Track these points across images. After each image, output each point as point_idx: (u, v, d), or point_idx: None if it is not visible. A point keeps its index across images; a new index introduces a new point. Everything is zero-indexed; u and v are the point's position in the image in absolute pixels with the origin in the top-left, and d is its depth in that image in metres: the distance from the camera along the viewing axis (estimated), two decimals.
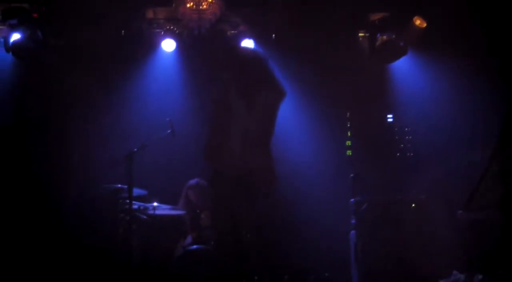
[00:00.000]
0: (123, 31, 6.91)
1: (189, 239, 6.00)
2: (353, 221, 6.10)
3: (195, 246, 5.85)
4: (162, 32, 6.94)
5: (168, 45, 6.93)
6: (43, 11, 6.55)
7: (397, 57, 7.00)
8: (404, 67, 7.16)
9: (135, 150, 5.94)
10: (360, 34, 7.23)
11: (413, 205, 6.15)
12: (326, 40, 7.04)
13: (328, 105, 7.14)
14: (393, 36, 6.92)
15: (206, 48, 6.71)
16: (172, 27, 6.92)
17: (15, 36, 6.50)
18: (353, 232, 6.07)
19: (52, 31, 6.68)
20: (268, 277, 5.82)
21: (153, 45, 7.00)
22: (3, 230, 6.14)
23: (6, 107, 6.59)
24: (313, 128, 7.06)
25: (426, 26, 6.68)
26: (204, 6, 6.17)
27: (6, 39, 6.55)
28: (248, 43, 6.90)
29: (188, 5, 6.21)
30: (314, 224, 6.60)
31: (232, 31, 6.97)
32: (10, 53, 6.53)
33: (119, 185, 6.11)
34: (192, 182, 6.31)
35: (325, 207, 6.62)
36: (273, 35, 7.12)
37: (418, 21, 6.68)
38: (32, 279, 5.98)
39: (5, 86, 6.81)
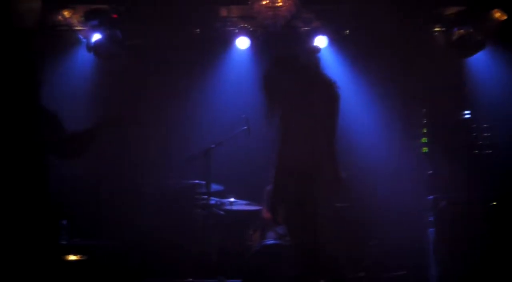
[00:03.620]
0: (197, 30, 7.02)
1: (269, 234, 6.04)
2: (431, 219, 6.00)
3: (272, 241, 5.89)
4: (236, 30, 7.02)
5: (242, 43, 7.02)
6: (122, 12, 6.74)
7: (475, 51, 6.84)
8: (482, 62, 6.98)
9: (212, 146, 6.05)
10: (436, 29, 7.09)
11: (494, 203, 5.99)
12: (401, 36, 6.94)
13: (403, 102, 7.05)
14: (471, 30, 6.75)
15: (278, 47, 6.73)
16: (246, 25, 6.99)
17: (96, 37, 6.73)
18: (431, 229, 5.97)
19: (130, 31, 6.87)
20: (343, 275, 5.79)
21: (228, 43, 7.10)
22: (78, 224, 6.28)
23: (87, 105, 6.79)
24: (388, 125, 6.98)
25: (506, 19, 6.49)
26: (280, 3, 6.20)
27: (88, 39, 6.77)
28: (321, 40, 6.90)
29: (263, 2, 6.25)
30: (390, 222, 6.52)
31: (305, 28, 6.97)
32: (92, 53, 6.76)
33: (197, 181, 6.23)
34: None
35: (401, 205, 6.54)
36: (347, 31, 7.08)
37: (498, 14, 6.50)
38: (109, 271, 6.12)
39: (87, 85, 7.04)
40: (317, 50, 4.35)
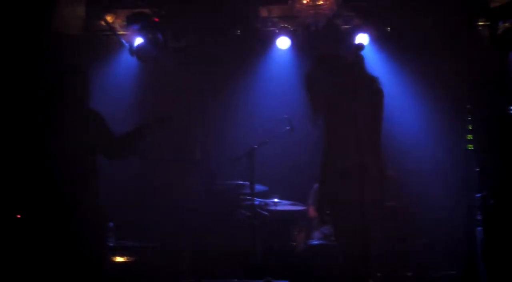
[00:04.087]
0: (238, 31, 7.05)
1: (315, 234, 6.02)
2: (479, 217, 5.88)
3: (317, 241, 5.87)
4: (277, 30, 7.02)
5: (283, 43, 7.01)
6: (163, 15, 6.80)
7: None
8: None
9: (256, 146, 6.06)
10: (480, 23, 6.95)
11: None
12: (444, 31, 6.83)
13: (447, 98, 6.92)
14: None
15: (320, 45, 6.70)
16: (286, 25, 6.99)
17: (138, 40, 6.81)
18: (479, 228, 5.85)
19: (172, 34, 6.93)
20: (392, 275, 5.74)
21: (268, 44, 7.10)
22: (125, 226, 6.34)
23: (131, 108, 6.88)
24: (433, 122, 6.89)
25: None
26: (321, 2, 6.16)
27: (131, 43, 6.86)
28: (362, 38, 6.84)
29: (304, 1, 6.23)
30: (437, 221, 6.42)
31: (346, 26, 6.92)
32: (134, 57, 6.85)
33: (241, 181, 6.25)
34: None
35: (448, 203, 6.44)
36: (388, 28, 7.00)
37: None
38: (156, 273, 6.18)
39: (131, 88, 7.14)
40: (361, 48, 4.30)
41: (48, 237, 4.04)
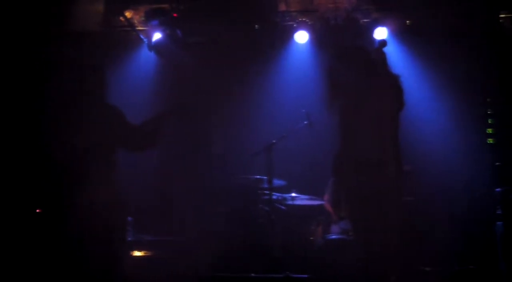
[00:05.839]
0: (256, 26, 7.04)
1: (333, 228, 6.01)
2: (499, 212, 5.82)
3: (335, 236, 5.85)
4: (295, 25, 7.01)
5: (301, 37, 6.99)
6: (182, 10, 6.83)
7: None
8: None
9: (274, 141, 6.06)
10: (502, 15, 6.86)
11: None
12: (465, 24, 6.75)
13: (467, 92, 6.86)
14: None
15: (341, 40, 6.66)
16: (304, 19, 6.97)
17: (157, 36, 6.85)
18: (499, 223, 5.79)
19: (190, 30, 6.95)
20: (410, 270, 5.71)
21: (287, 38, 7.09)
22: (144, 220, 6.39)
23: (151, 102, 6.91)
24: (453, 116, 6.82)
25: None
26: None
27: (149, 39, 6.90)
28: (381, 31, 6.79)
29: None
30: (457, 215, 6.36)
31: (365, 20, 6.88)
32: (153, 52, 6.89)
33: (259, 176, 6.26)
34: None
35: (468, 198, 6.38)
36: (408, 21, 6.94)
37: None
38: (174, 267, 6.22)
39: (150, 83, 7.18)
40: (384, 44, 4.28)
41: (68, 232, 4.08)
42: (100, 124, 4.26)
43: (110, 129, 4.28)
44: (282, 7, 7.00)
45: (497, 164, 6.00)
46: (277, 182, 6.19)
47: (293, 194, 6.26)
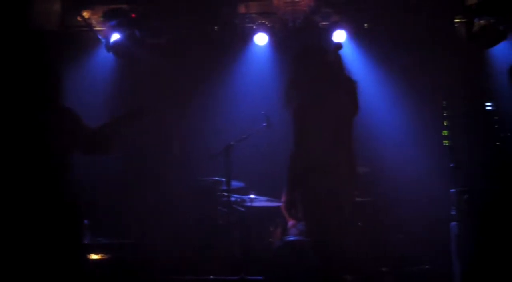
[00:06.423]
0: (216, 27, 7.04)
1: (291, 230, 6.05)
2: (453, 212, 5.94)
3: (293, 237, 5.89)
4: (254, 27, 7.03)
5: (261, 39, 7.02)
6: (141, 11, 6.78)
7: (496, 42, 6.73)
8: (504, 53, 6.87)
9: (233, 143, 6.07)
10: (457, 20, 7.01)
11: None
12: (421, 28, 6.87)
13: (424, 95, 6.98)
14: (492, 20, 6.66)
15: (298, 42, 6.71)
16: (264, 21, 6.99)
17: (115, 37, 6.78)
18: (454, 223, 5.92)
19: (149, 30, 6.91)
20: (367, 270, 5.78)
21: (246, 40, 7.11)
22: (101, 223, 6.30)
23: (108, 104, 6.84)
24: (409, 119, 6.93)
25: None
26: None
27: (107, 39, 6.83)
28: (340, 34, 6.86)
29: None
30: (412, 216, 6.48)
31: (324, 23, 6.94)
32: (111, 53, 6.82)
33: (218, 178, 6.25)
34: None
35: (423, 199, 6.50)
36: (366, 25, 7.03)
37: None
38: (132, 270, 6.16)
39: (107, 84, 7.11)
40: (339, 47, 4.33)
41: (22, 235, 4.01)
42: (54, 126, 4.20)
43: (65, 132, 4.23)
44: (242, 9, 7.00)
45: (451, 165, 6.11)
46: (235, 184, 6.19)
47: (252, 196, 6.26)
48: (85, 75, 6.92)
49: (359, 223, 5.92)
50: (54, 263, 4.05)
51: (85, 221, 5.43)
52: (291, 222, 6.15)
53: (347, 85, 4.32)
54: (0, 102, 4.27)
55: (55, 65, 4.40)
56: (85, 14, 6.81)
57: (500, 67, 6.92)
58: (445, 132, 6.89)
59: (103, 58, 7.03)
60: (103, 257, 5.62)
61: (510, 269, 5.54)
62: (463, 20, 6.94)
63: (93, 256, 5.58)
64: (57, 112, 4.27)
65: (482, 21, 6.77)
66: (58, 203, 4.12)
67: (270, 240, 6.15)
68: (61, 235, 4.10)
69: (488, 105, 6.99)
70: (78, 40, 6.99)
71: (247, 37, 7.10)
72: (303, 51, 4.46)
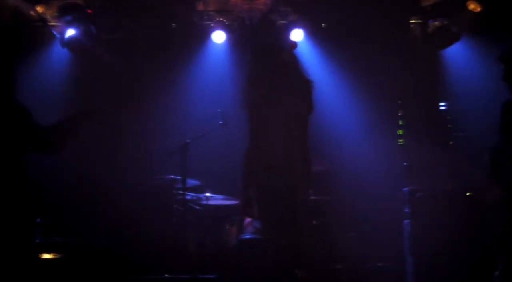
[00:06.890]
0: (173, 24, 7.00)
1: (247, 228, 6.06)
2: (407, 210, 6.04)
3: (249, 235, 5.90)
4: (212, 24, 7.01)
5: (219, 37, 7.01)
6: (97, 6, 6.69)
7: (450, 43, 6.88)
8: (457, 54, 7.02)
9: (188, 141, 6.04)
10: (412, 21, 7.12)
11: (468, 193, 6.03)
12: (377, 28, 6.96)
13: (379, 94, 7.06)
14: (446, 22, 6.79)
15: (255, 40, 6.72)
16: (222, 19, 6.98)
17: (70, 32, 6.68)
18: (407, 221, 6.01)
19: (105, 27, 6.82)
20: (321, 268, 5.83)
21: (204, 37, 7.09)
22: (54, 222, 6.21)
23: (62, 101, 6.74)
24: (364, 118, 7.01)
25: (481, 10, 6.51)
26: None
27: (62, 35, 6.72)
28: (297, 33, 6.90)
29: None
30: (367, 214, 6.55)
31: (282, 22, 6.97)
32: (66, 49, 6.71)
33: (173, 176, 6.22)
34: None
35: (377, 197, 6.58)
36: (323, 24, 7.08)
37: (472, 5, 6.52)
38: (86, 269, 6.09)
39: (61, 80, 7.00)
40: (294, 46, 4.35)
41: None
42: (5, 123, 4.12)
43: (16, 130, 4.14)
44: (200, 6, 6.98)
45: (404, 164, 6.20)
46: (191, 182, 6.18)
47: (208, 194, 6.25)
48: (39, 72, 6.79)
49: (313, 221, 5.95)
50: (4, 262, 3.98)
51: (37, 220, 5.35)
52: (247, 220, 6.16)
53: (302, 84, 4.35)
54: None
55: (7, 60, 4.31)
56: (39, 9, 6.68)
57: (454, 68, 7.08)
58: (400, 132, 6.98)
59: (58, 54, 6.92)
60: (55, 256, 5.54)
61: (461, 266, 5.67)
62: (419, 21, 7.07)
63: (45, 255, 5.50)
64: (7, 108, 4.19)
65: (436, 23, 6.90)
66: (9, 200, 4.05)
67: (225, 238, 6.15)
68: (9, 232, 4.03)
69: (442, 105, 7.11)
70: (32, 36, 6.85)
71: (204, 35, 7.08)
72: (259, 49, 4.47)
